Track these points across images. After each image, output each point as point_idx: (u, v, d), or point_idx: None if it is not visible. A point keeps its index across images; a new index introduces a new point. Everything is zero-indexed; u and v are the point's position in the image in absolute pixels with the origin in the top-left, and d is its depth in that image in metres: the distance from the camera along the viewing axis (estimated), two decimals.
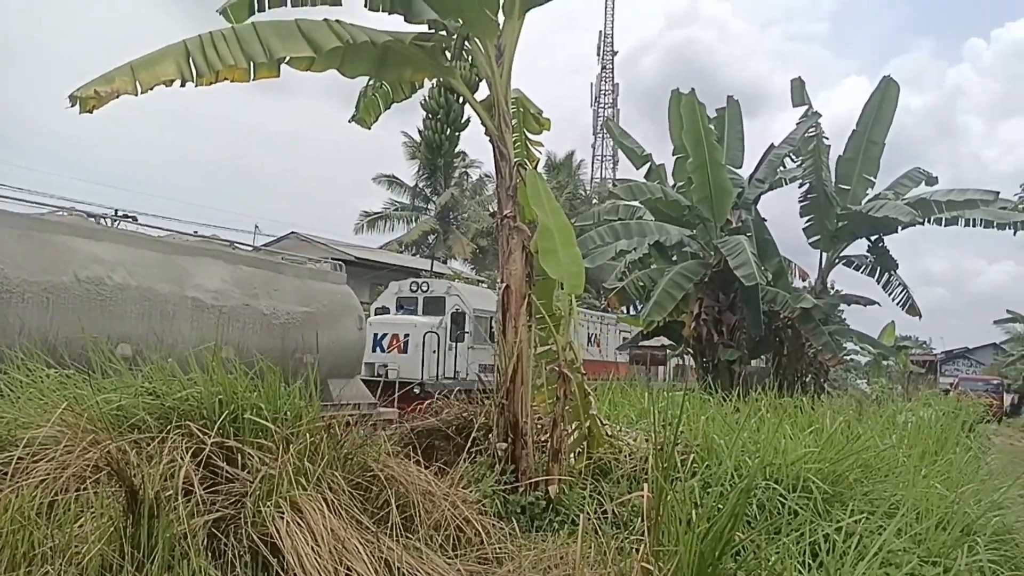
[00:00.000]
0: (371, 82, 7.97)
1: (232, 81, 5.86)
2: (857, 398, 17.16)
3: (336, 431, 4.94)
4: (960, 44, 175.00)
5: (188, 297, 7.97)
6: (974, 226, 18.45)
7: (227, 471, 4.77)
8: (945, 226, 18.71)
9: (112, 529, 4.07)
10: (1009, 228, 18.29)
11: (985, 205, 17.92)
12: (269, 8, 6.74)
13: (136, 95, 5.19)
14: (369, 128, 8.39)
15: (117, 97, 5.15)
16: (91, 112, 4.98)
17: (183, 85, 5.34)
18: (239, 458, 4.87)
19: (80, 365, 5.70)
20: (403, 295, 19.63)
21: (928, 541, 5.12)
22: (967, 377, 50.32)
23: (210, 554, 4.34)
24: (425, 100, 7.61)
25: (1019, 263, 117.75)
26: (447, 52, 7.26)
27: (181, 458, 4.59)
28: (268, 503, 4.48)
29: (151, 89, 5.27)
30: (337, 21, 6.02)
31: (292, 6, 6.82)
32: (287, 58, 5.89)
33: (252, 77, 5.80)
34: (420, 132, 6.91)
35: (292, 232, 31.24)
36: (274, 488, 4.56)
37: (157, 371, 5.53)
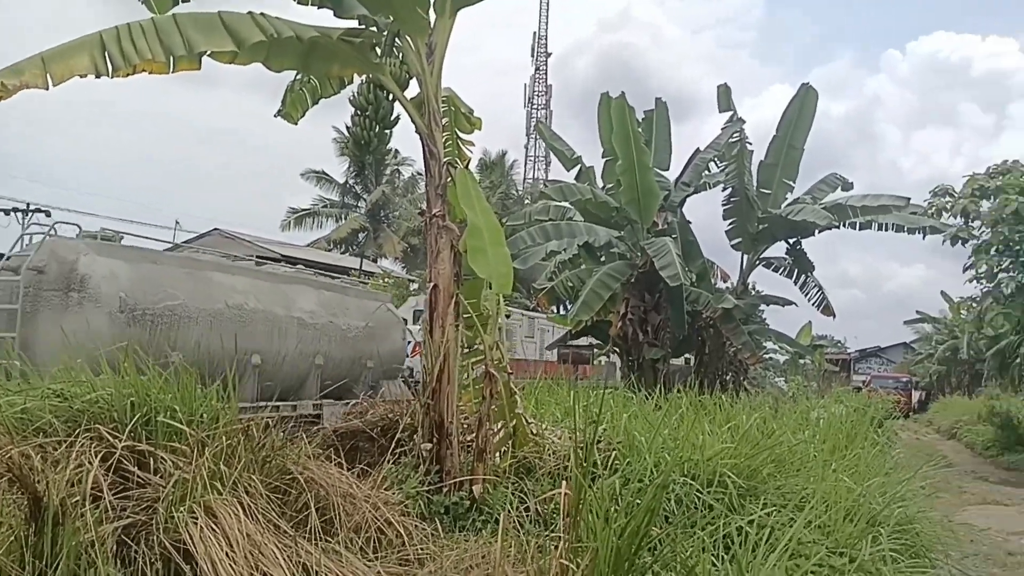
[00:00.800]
0: (298, 76, 7.82)
1: (150, 73, 5.65)
2: (774, 395, 17.76)
3: (253, 433, 4.83)
4: (878, 55, 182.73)
5: (294, 317, 9.95)
6: (887, 230, 19.32)
7: (139, 476, 4.61)
8: (860, 230, 19.53)
9: (12, 539, 3.89)
10: (919, 232, 19.24)
11: (897, 210, 18.78)
12: None
13: (47, 88, 4.96)
14: (296, 123, 8.23)
15: (26, 89, 4.91)
16: None
17: (98, 77, 5.13)
18: (151, 462, 4.72)
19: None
20: (419, 308, 20.84)
21: (836, 532, 5.35)
22: (878, 375, 52.70)
23: (119, 562, 4.19)
24: (354, 96, 7.50)
25: (930, 266, 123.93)
26: (377, 48, 7.18)
27: (89, 463, 4.42)
28: (181, 508, 4.35)
29: (63, 82, 5.04)
30: (262, 14, 5.87)
31: None
32: (208, 51, 5.72)
33: (171, 70, 5.61)
34: (348, 128, 6.79)
35: (215, 229, 30.38)
36: (188, 493, 4.44)
37: (65, 373, 5.32)
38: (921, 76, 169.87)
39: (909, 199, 19.03)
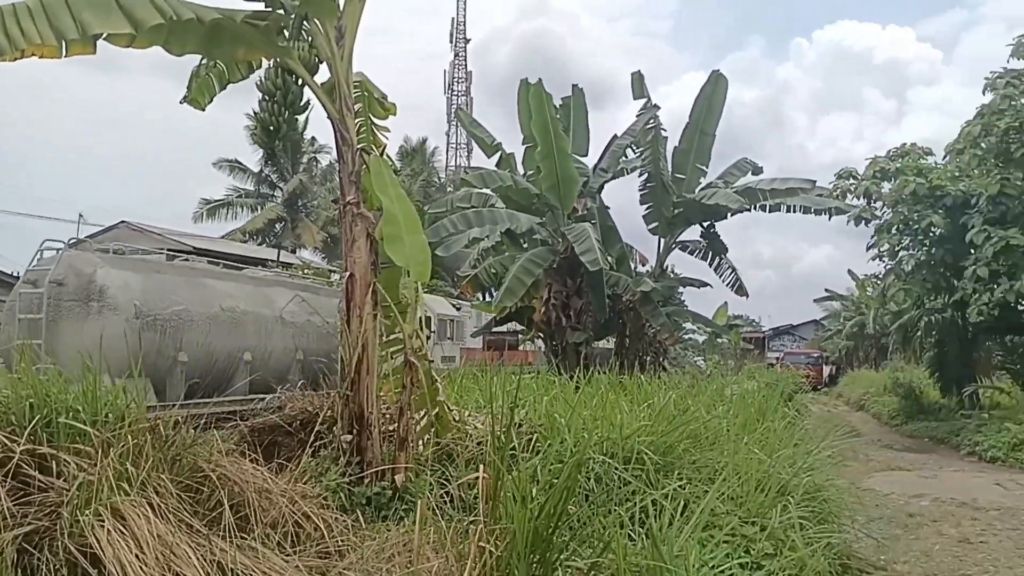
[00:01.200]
0: (204, 61, 7.53)
1: (41, 58, 5.35)
2: (693, 374, 18.27)
3: (162, 432, 4.67)
4: (787, 44, 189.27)
5: (278, 317, 11.11)
6: (795, 212, 20.08)
7: (40, 480, 4.41)
8: (769, 212, 20.24)
9: None
10: (825, 214, 20.06)
11: (804, 193, 19.54)
12: None
13: None
14: (203, 109, 7.93)
15: None
16: None
17: None
18: (54, 466, 4.52)
19: None
20: None
21: (748, 502, 5.55)
22: (791, 352, 54.94)
23: (20, 571, 4.01)
24: (261, 81, 7.27)
25: (837, 246, 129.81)
26: (284, 31, 6.98)
27: None
28: (87, 512, 4.18)
29: None
30: None
31: None
32: (104, 34, 5.45)
33: (64, 54, 5.32)
34: (256, 115, 6.49)
35: (122, 221, 29.12)
36: (94, 495, 4.27)
37: None
38: (827, 63, 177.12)
39: (815, 182, 19.84)
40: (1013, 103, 17.05)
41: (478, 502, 5.27)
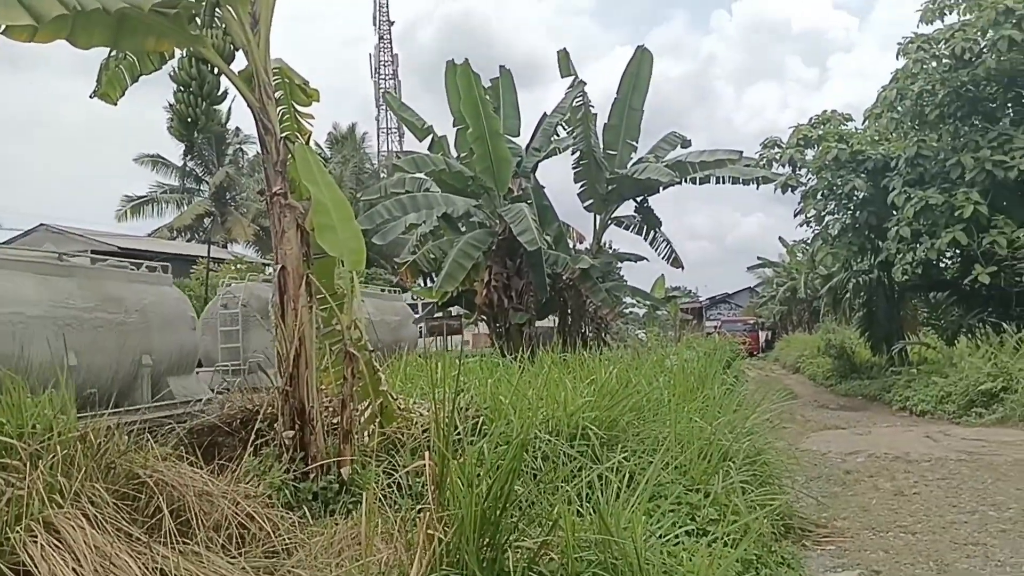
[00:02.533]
0: (113, 53, 7.21)
1: None
2: (634, 347, 18.56)
3: (92, 440, 4.50)
4: (708, 16, 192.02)
5: None
6: (724, 183, 20.49)
7: None
8: (700, 184, 20.59)
9: None
10: (753, 183, 20.52)
11: (732, 164, 19.92)
12: None
13: None
14: (115, 104, 7.60)
15: None
16: None
17: None
18: None
19: None
20: None
21: (691, 470, 5.68)
22: (728, 319, 56.29)
23: None
24: (174, 71, 7.00)
25: (768, 214, 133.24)
26: (196, 19, 6.72)
27: None
28: (18, 528, 4.01)
29: None
30: None
31: None
32: (3, 27, 5.15)
33: None
34: (172, 107, 6.17)
35: (41, 224, 27.92)
36: (24, 510, 4.09)
37: None
38: (748, 35, 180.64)
39: (742, 152, 20.26)
40: (925, 67, 17.68)
41: (426, 490, 5.27)
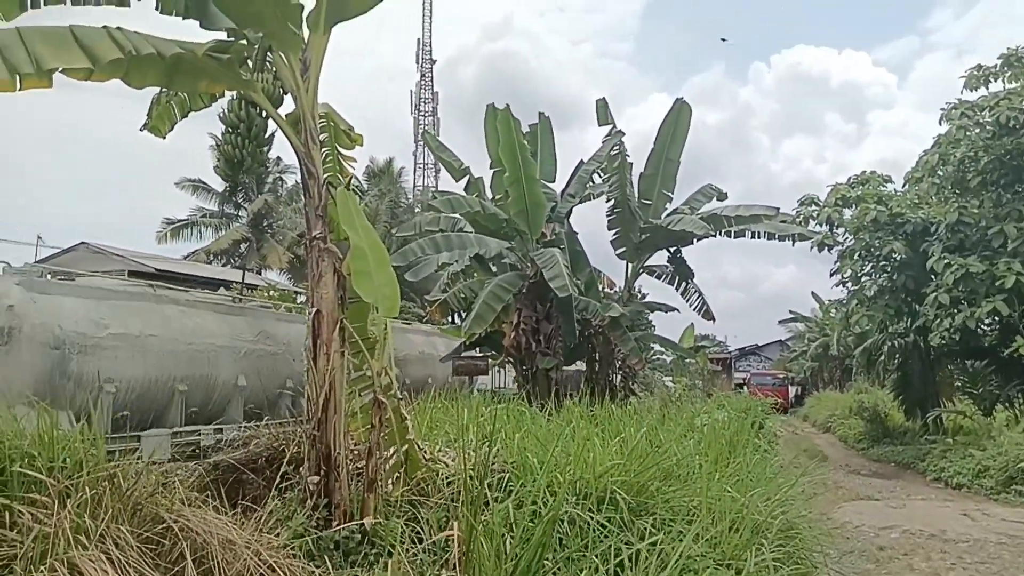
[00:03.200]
0: (164, 90, 7.39)
1: None
2: (662, 397, 18.31)
3: (120, 481, 4.49)
4: (746, 67, 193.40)
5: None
6: (759, 238, 20.31)
7: None
8: (734, 238, 20.44)
9: None
10: (788, 239, 20.34)
11: (768, 219, 19.77)
12: (45, 6, 6.03)
13: None
14: (164, 137, 7.79)
15: None
16: None
17: None
18: (7, 517, 4.33)
19: None
20: None
21: (722, 544, 5.51)
22: (757, 372, 55.48)
23: None
24: (224, 113, 7.16)
25: (800, 266, 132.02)
26: (248, 63, 6.87)
27: None
28: (42, 567, 4.01)
29: None
30: (119, 28, 5.48)
31: (72, 4, 6.14)
32: (59, 68, 5.29)
33: (18, 88, 5.15)
34: (219, 147, 6.39)
35: (82, 243, 28.45)
36: (50, 549, 4.09)
37: None
38: (786, 87, 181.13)
39: (779, 208, 20.10)
40: (968, 133, 17.52)
41: (450, 547, 5.17)
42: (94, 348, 9.25)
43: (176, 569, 4.28)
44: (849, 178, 20.65)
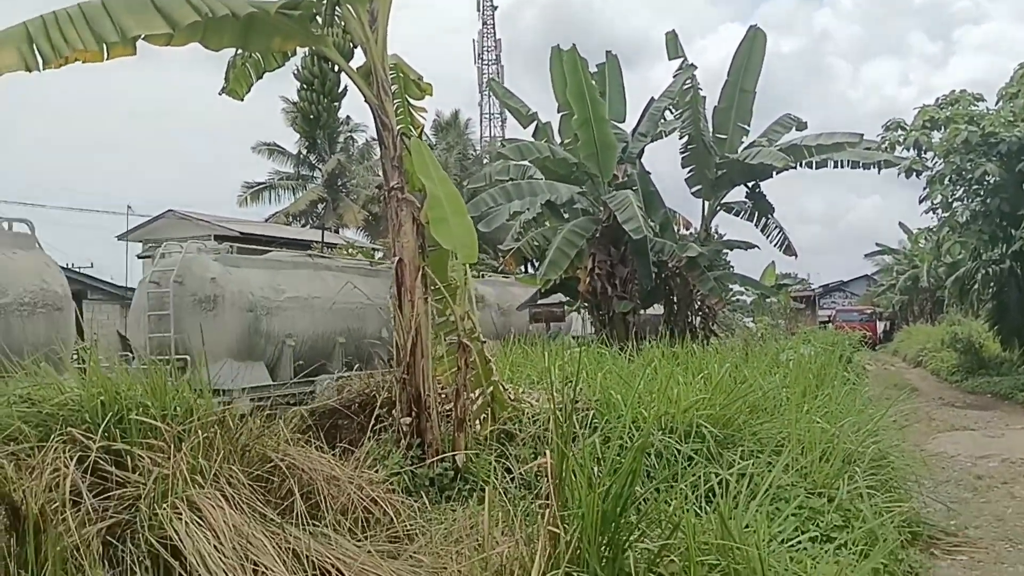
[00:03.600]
0: (239, 52, 7.58)
1: (84, 62, 5.44)
2: (744, 338, 18.05)
3: (230, 424, 4.78)
4: None
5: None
6: (842, 167, 19.51)
7: (117, 475, 4.56)
8: (816, 168, 19.69)
9: None
10: (873, 167, 19.47)
11: (851, 147, 18.95)
12: None
13: None
14: (242, 99, 8.01)
15: None
16: None
17: (29, 71, 4.91)
18: (129, 461, 4.67)
19: None
20: None
21: (813, 474, 5.49)
22: (843, 309, 53.87)
23: (107, 563, 4.16)
24: (298, 70, 7.29)
25: (885, 196, 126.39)
26: (318, 19, 6.98)
27: (65, 466, 4.35)
28: (164, 505, 4.31)
29: None
30: None
31: None
32: (142, 35, 5.50)
33: (106, 57, 5.39)
34: (295, 104, 6.57)
35: (169, 210, 29.67)
36: (169, 489, 4.40)
37: (30, 377, 5.20)
38: (864, 7, 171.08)
39: (862, 135, 19.22)
40: None
41: (539, 481, 5.32)
42: (276, 309, 11.24)
43: (285, 504, 4.56)
44: (937, 99, 19.54)
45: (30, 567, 3.90)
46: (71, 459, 4.43)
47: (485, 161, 42.75)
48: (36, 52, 4.91)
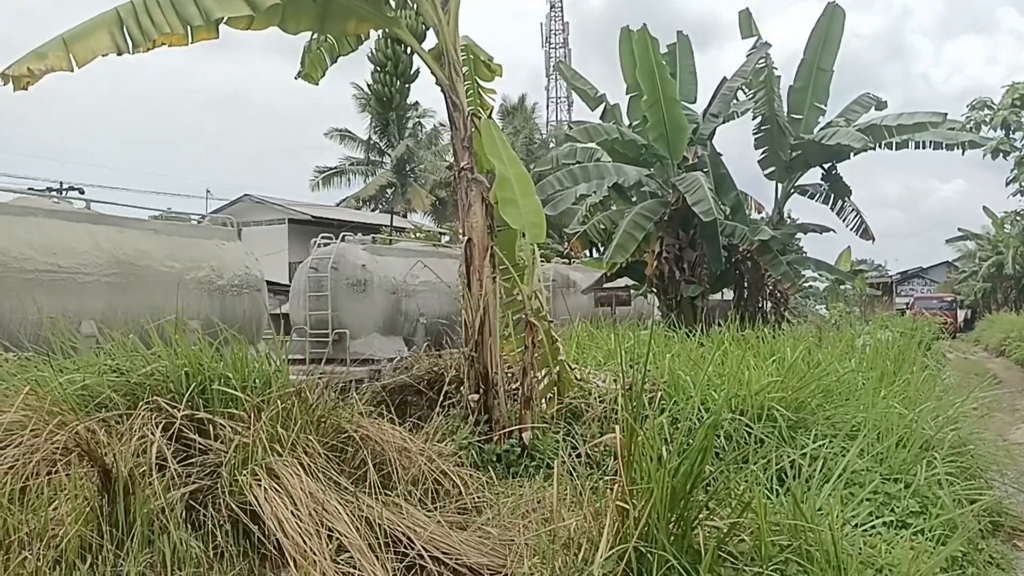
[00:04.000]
0: (315, 36, 7.75)
1: (170, 46, 5.65)
2: (817, 324, 17.58)
3: (307, 395, 4.93)
4: None
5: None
6: (924, 148, 18.74)
7: (200, 443, 4.77)
8: (896, 150, 18.95)
9: (88, 510, 4.06)
10: (957, 148, 18.63)
11: (934, 127, 18.17)
12: None
13: (72, 71, 5.00)
14: (317, 84, 8.20)
15: (51, 72, 4.96)
16: (25, 89, 4.79)
17: (119, 55, 5.14)
18: (211, 429, 4.87)
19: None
20: None
21: (889, 459, 5.34)
22: (922, 296, 51.83)
23: (190, 526, 4.36)
24: (372, 53, 7.41)
25: (968, 180, 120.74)
26: (391, 1, 7.07)
27: (152, 433, 4.58)
28: (244, 471, 4.49)
29: (87, 63, 5.07)
30: None
31: None
32: (225, 18, 5.68)
33: (190, 41, 5.60)
34: (369, 86, 6.73)
35: (245, 195, 30.62)
36: (249, 456, 4.58)
37: (120, 348, 5.47)
38: None
39: (946, 114, 18.41)
40: None
41: (606, 460, 5.33)
42: (412, 292, 13.26)
43: (359, 473, 4.69)
44: None
45: (120, 526, 4.12)
46: (157, 427, 4.65)
47: (552, 145, 42.60)
48: (127, 36, 5.13)
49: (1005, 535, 5.81)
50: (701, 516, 3.66)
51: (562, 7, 77.18)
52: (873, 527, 4.31)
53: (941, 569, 4.18)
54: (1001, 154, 18.59)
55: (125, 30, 5.13)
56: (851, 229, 20.47)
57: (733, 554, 3.60)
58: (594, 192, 19.44)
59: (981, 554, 4.94)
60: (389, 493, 4.56)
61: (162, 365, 5.10)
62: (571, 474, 5.02)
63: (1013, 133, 18.49)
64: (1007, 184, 19.43)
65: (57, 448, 4.40)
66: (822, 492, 4.19)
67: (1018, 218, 24.29)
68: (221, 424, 4.83)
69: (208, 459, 4.75)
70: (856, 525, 4.20)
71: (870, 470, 5.01)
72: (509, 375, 6.87)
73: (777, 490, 4.44)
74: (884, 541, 4.12)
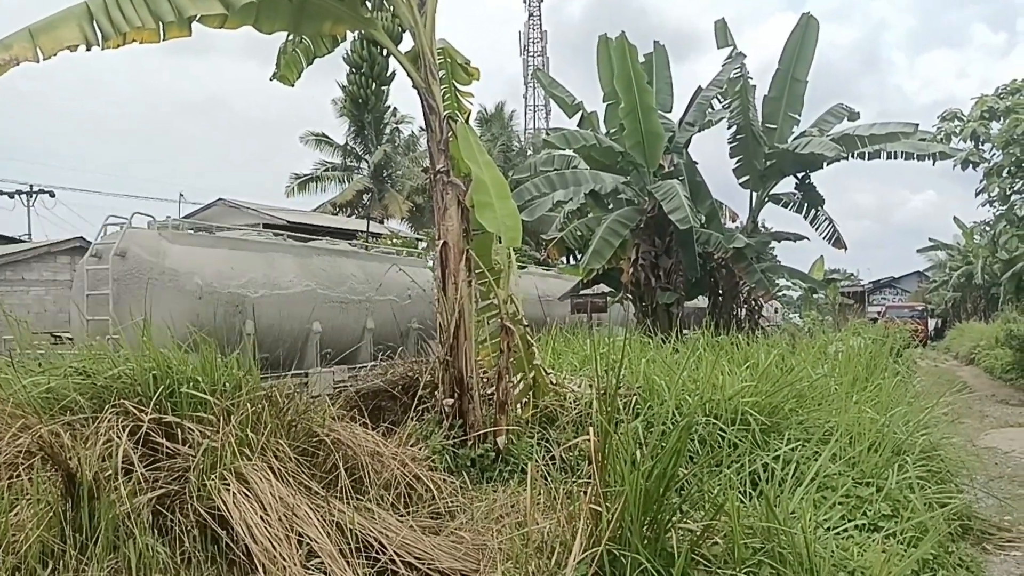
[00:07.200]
0: (290, 37, 7.68)
1: (141, 43, 5.56)
2: (790, 331, 17.73)
3: (278, 399, 4.86)
4: None
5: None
6: (896, 158, 19.00)
7: (167, 447, 4.68)
8: (868, 159, 19.21)
9: (51, 514, 3.96)
10: (928, 159, 18.91)
11: (905, 137, 18.42)
12: None
13: (38, 62, 4.89)
14: (292, 85, 8.13)
15: (17, 64, 4.85)
16: None
17: (88, 49, 5.04)
18: (179, 433, 4.78)
19: None
20: None
21: (861, 463, 5.38)
22: (893, 305, 52.53)
23: (156, 531, 4.28)
24: (347, 54, 7.37)
25: (940, 192, 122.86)
26: (367, 3, 7.03)
27: (118, 437, 4.49)
28: (212, 476, 4.41)
29: (54, 55, 4.97)
30: None
31: None
32: (198, 16, 5.61)
33: (162, 38, 5.51)
34: (344, 88, 6.65)
35: (219, 199, 30.24)
36: (218, 460, 4.50)
37: (86, 351, 5.36)
38: None
39: (917, 125, 18.66)
40: None
41: (580, 464, 5.32)
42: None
43: (330, 478, 4.62)
44: (997, 88, 18.91)
45: (84, 531, 4.03)
46: (124, 430, 4.56)
47: (529, 153, 42.67)
48: (96, 29, 5.03)
49: (975, 538, 5.88)
50: (674, 519, 3.65)
51: (540, 16, 77.49)
52: (845, 530, 4.32)
53: (912, 572, 4.20)
54: (971, 165, 18.88)
55: (95, 23, 5.04)
56: (824, 238, 20.69)
57: (706, 557, 3.59)
58: (571, 199, 19.48)
59: (951, 557, 4.98)
60: (361, 498, 4.50)
61: (129, 368, 5.00)
62: (545, 478, 5.00)
63: (982, 144, 18.79)
64: (976, 195, 19.75)
65: (19, 451, 4.30)
66: (795, 495, 4.21)
67: (987, 228, 24.70)
68: (190, 428, 4.75)
69: (176, 463, 4.67)
70: (829, 528, 4.21)
71: (842, 474, 5.04)
72: (484, 379, 6.83)
73: (750, 493, 4.44)
74: (856, 544, 4.14)
